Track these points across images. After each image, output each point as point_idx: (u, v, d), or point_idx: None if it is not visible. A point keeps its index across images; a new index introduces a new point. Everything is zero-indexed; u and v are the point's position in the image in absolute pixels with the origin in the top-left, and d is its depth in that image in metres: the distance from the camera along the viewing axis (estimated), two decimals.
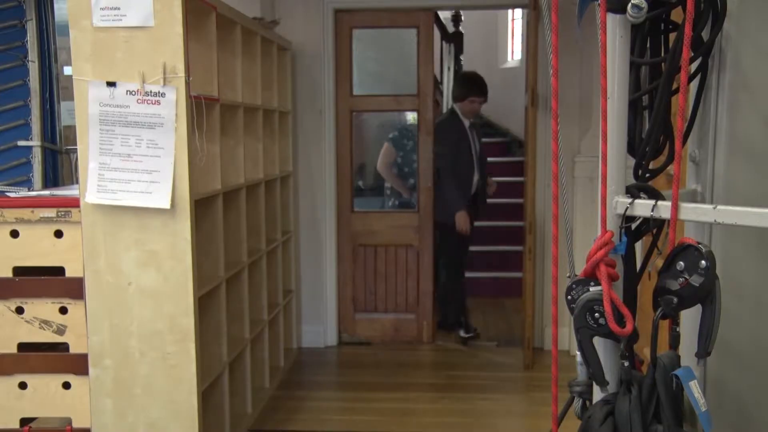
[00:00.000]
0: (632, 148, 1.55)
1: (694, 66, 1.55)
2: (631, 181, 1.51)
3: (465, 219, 4.93)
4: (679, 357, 1.42)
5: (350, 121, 5.05)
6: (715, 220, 1.32)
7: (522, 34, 7.61)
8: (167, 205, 2.70)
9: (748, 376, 1.60)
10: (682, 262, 1.35)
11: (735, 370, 1.62)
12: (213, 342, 3.25)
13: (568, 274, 1.54)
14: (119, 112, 2.67)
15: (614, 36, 1.40)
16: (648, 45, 1.55)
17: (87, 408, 2.88)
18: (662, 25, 1.55)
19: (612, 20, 1.39)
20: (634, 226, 1.46)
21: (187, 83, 2.67)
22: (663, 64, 1.50)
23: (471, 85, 5.13)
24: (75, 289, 2.84)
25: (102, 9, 2.64)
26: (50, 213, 2.84)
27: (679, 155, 1.42)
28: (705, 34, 1.50)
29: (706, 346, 1.36)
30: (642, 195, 1.44)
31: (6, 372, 2.92)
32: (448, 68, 7.37)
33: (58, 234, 2.85)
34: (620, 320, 1.39)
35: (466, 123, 5.09)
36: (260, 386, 4.04)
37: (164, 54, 2.65)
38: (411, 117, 5.55)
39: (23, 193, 3.47)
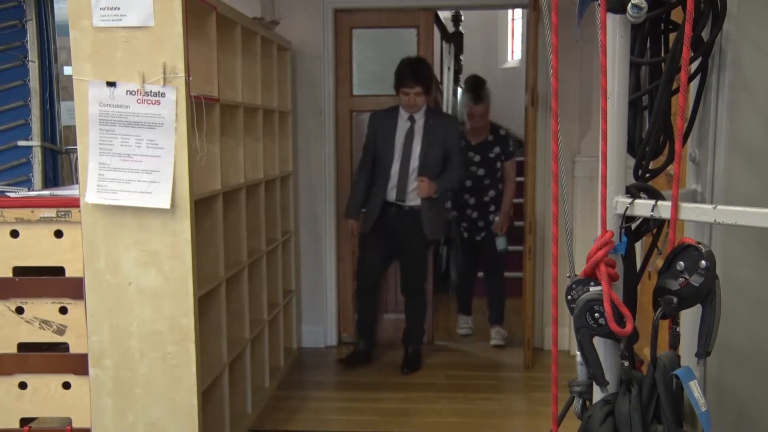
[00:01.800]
0: (632, 148, 1.55)
1: (694, 66, 1.55)
2: (631, 181, 1.51)
3: (351, 227, 4.64)
4: (679, 357, 1.42)
5: (350, 121, 5.05)
6: (715, 220, 1.32)
7: (522, 34, 7.62)
8: (167, 205, 2.70)
9: (748, 376, 1.60)
10: (682, 262, 1.35)
11: (735, 370, 1.62)
12: (213, 342, 3.25)
13: (568, 274, 1.54)
14: (119, 112, 2.67)
15: (614, 36, 1.40)
16: (648, 45, 1.55)
17: (87, 408, 2.88)
18: (662, 25, 1.55)
19: (612, 20, 1.39)
20: (634, 226, 1.46)
21: (187, 83, 2.67)
22: (663, 64, 1.50)
23: (400, 75, 4.41)
24: (75, 289, 2.84)
25: (102, 9, 2.64)
26: (50, 213, 2.84)
27: (679, 155, 1.42)
28: (705, 34, 1.50)
29: (706, 346, 1.36)
30: (642, 195, 1.44)
31: (6, 372, 2.92)
32: (448, 68, 7.37)
33: (58, 234, 2.85)
34: (620, 320, 1.39)
35: (404, 116, 4.44)
36: (260, 386, 4.04)
37: (164, 54, 2.65)
38: None
39: (23, 193, 3.47)
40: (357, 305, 4.81)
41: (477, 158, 4.97)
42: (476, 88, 5.00)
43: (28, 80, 4.31)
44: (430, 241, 4.64)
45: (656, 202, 1.39)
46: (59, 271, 2.88)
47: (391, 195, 4.43)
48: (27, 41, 4.28)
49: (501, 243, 5.02)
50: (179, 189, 2.71)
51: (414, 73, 4.33)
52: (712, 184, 1.59)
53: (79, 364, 2.87)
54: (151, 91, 2.66)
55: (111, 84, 2.67)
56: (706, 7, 1.46)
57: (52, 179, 4.44)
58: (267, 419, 3.87)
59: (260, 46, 3.90)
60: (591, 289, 1.42)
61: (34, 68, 4.30)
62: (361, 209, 4.59)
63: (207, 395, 3.06)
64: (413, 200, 4.42)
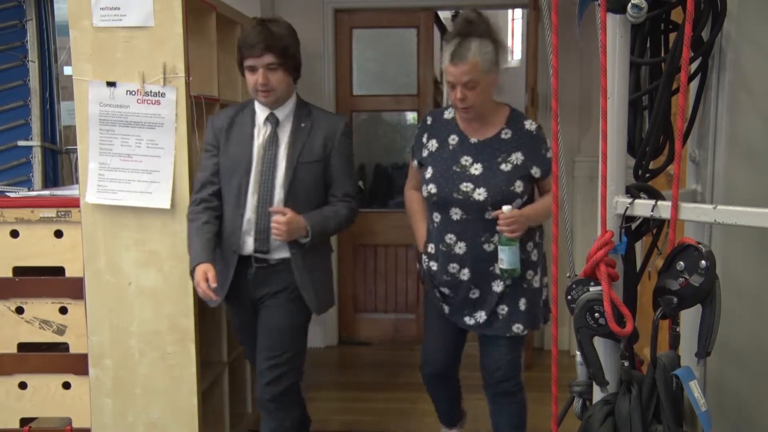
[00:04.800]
0: (632, 148, 1.55)
1: (694, 66, 1.55)
2: (631, 181, 1.51)
3: (201, 276, 2.49)
4: (679, 357, 1.42)
5: (350, 121, 5.05)
6: (715, 220, 1.32)
7: (522, 34, 7.61)
8: (167, 205, 2.70)
9: (748, 376, 1.60)
10: (682, 262, 1.35)
11: (735, 370, 1.62)
12: (213, 342, 3.25)
13: (568, 274, 1.54)
14: (119, 112, 2.67)
15: (614, 36, 1.40)
16: (648, 45, 1.55)
17: (87, 408, 2.88)
18: (662, 25, 1.55)
19: (612, 20, 1.39)
20: (634, 226, 1.46)
21: (187, 83, 2.68)
22: (663, 64, 1.50)
23: (243, 41, 2.64)
24: (75, 289, 2.84)
25: (102, 9, 2.65)
26: (50, 213, 2.85)
27: (679, 155, 1.42)
28: (705, 34, 1.50)
29: (706, 346, 1.36)
30: (642, 195, 1.44)
31: (6, 372, 2.92)
32: None
33: (58, 234, 2.85)
34: (620, 320, 1.39)
35: (261, 115, 2.71)
36: None
37: (164, 54, 2.65)
38: (411, 117, 5.55)
39: (23, 193, 3.47)
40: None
41: (476, 168, 2.63)
42: (462, 32, 2.62)
43: (28, 80, 4.31)
44: (307, 316, 2.76)
45: (656, 202, 1.39)
46: (59, 271, 2.88)
47: (248, 244, 2.65)
48: (27, 41, 4.28)
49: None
50: (179, 189, 2.71)
51: (264, 34, 2.63)
52: (712, 184, 1.59)
53: (79, 364, 2.87)
54: (151, 91, 2.66)
55: (111, 84, 2.67)
56: (706, 7, 1.46)
57: (52, 179, 4.44)
58: None
59: None
60: (591, 289, 1.42)
61: (34, 68, 4.30)
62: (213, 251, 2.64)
63: (207, 395, 3.06)
64: (281, 251, 2.65)
